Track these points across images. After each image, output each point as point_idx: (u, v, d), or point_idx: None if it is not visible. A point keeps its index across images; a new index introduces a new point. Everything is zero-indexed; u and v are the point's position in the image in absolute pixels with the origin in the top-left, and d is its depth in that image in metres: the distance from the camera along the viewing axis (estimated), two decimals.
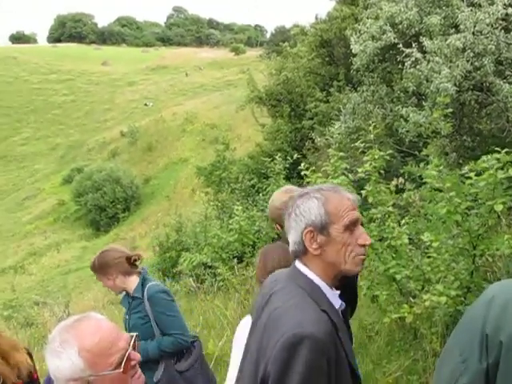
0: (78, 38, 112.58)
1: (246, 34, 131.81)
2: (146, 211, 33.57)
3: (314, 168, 4.80)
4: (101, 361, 1.47)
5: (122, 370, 1.48)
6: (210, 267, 8.53)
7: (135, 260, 3.35)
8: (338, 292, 1.77)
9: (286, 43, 16.74)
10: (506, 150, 3.61)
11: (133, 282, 3.33)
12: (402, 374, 3.86)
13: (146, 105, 57.41)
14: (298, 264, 1.75)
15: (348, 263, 1.70)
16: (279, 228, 2.78)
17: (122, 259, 3.29)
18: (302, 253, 1.73)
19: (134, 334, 1.59)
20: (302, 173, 4.26)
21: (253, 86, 15.07)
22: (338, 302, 1.73)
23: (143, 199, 36.11)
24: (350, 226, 1.69)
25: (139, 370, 1.59)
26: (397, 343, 4.28)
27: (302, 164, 4.29)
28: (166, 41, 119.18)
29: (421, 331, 4.06)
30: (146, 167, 40.48)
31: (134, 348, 1.55)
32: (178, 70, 69.88)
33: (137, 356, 1.55)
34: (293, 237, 1.74)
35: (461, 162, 9.95)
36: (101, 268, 3.29)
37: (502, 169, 3.61)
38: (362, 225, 1.77)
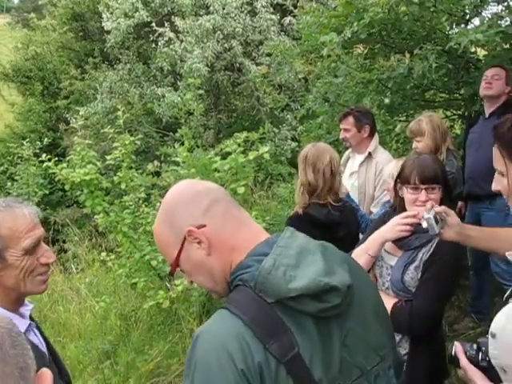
0: None
1: None
2: None
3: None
4: None
5: None
6: None
7: None
8: (30, 307, 1.63)
9: (33, 14, 15.34)
10: (245, 134, 3.83)
11: None
12: (162, 359, 3.90)
13: None
14: None
15: (30, 285, 1.56)
16: None
17: None
18: None
19: None
20: (44, 164, 3.95)
21: None
22: (23, 326, 1.56)
23: None
24: (31, 249, 1.53)
25: None
26: (157, 328, 4.31)
27: (44, 155, 3.99)
28: None
29: (179, 313, 4.13)
30: None
31: None
32: None
33: None
34: None
35: (221, 136, 10.48)
36: None
37: (243, 152, 3.83)
38: (44, 240, 1.60)
